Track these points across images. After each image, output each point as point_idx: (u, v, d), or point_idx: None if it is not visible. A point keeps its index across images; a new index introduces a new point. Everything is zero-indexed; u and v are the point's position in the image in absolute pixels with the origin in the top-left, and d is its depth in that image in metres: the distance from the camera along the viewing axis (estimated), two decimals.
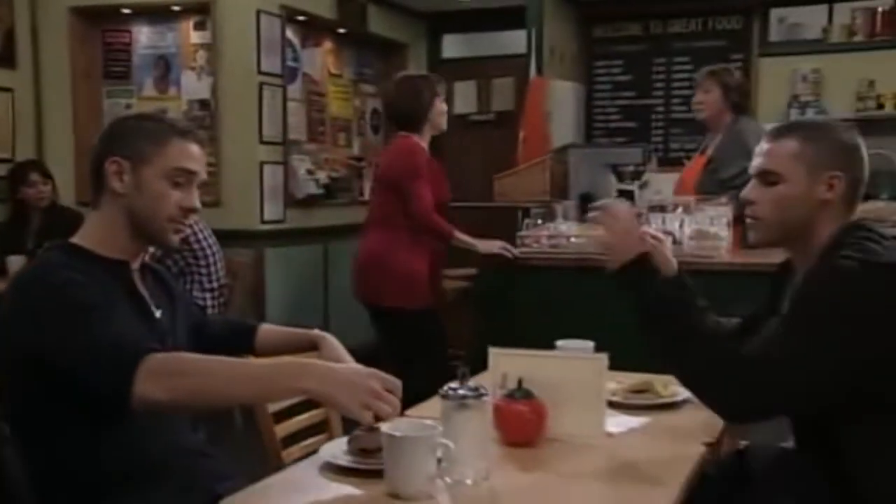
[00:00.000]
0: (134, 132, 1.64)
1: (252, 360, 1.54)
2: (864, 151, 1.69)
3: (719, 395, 1.57)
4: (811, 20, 5.68)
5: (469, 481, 1.43)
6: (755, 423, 1.66)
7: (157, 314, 1.69)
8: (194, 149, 1.66)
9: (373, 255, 3.57)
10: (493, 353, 1.75)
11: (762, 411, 1.58)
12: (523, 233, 3.83)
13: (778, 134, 1.69)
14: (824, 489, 1.58)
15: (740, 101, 3.89)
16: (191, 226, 3.90)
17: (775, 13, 5.77)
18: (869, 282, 1.51)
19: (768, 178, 1.66)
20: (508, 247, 3.55)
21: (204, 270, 4.02)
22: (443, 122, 3.62)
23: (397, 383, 1.41)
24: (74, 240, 1.64)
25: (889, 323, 1.49)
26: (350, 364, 1.66)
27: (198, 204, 1.68)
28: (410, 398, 1.64)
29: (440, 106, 3.58)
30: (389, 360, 3.74)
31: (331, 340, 1.87)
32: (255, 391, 1.47)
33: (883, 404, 1.51)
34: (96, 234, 1.64)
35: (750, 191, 1.70)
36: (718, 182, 3.71)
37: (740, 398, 1.54)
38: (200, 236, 4.01)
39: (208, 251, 4.02)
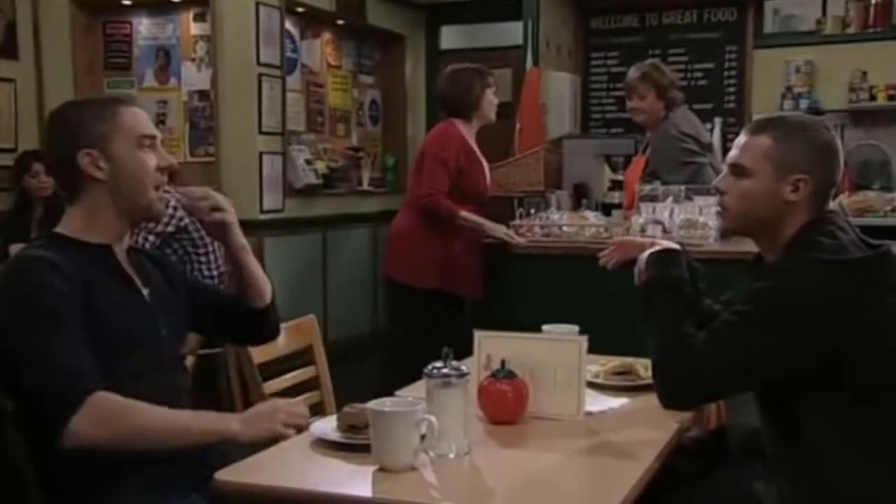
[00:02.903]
0: (86, 119, 1.67)
1: (186, 413, 1.63)
2: (840, 153, 1.72)
3: (658, 379, 1.66)
4: (805, 12, 5.71)
5: (451, 455, 1.51)
6: (687, 409, 1.75)
7: (145, 293, 1.74)
8: (142, 112, 1.72)
9: (395, 231, 3.71)
10: (478, 335, 1.82)
11: (687, 398, 1.68)
12: (517, 222, 3.91)
13: (756, 129, 1.72)
14: (788, 466, 1.65)
15: (672, 96, 3.83)
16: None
17: (769, 5, 5.80)
18: (813, 280, 1.56)
19: (738, 170, 1.71)
20: (511, 234, 3.68)
21: (203, 259, 4.09)
22: (491, 113, 3.73)
23: (302, 410, 1.66)
24: (57, 230, 1.69)
25: (833, 320, 1.54)
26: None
27: (172, 160, 1.74)
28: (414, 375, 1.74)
29: (490, 97, 3.69)
30: (394, 334, 3.84)
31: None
32: (185, 442, 1.58)
33: (839, 390, 1.57)
34: (77, 223, 1.69)
35: (721, 180, 1.76)
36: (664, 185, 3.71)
37: (666, 384, 1.64)
38: (199, 224, 4.07)
39: (207, 239, 4.08)
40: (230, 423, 1.59)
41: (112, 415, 1.52)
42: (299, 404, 1.69)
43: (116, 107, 1.69)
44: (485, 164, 3.75)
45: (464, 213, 3.58)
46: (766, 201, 1.68)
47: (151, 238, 3.89)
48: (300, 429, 1.64)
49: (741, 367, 1.57)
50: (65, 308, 1.56)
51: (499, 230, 3.66)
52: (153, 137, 1.72)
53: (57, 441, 1.53)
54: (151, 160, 1.70)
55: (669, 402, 1.69)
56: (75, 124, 1.67)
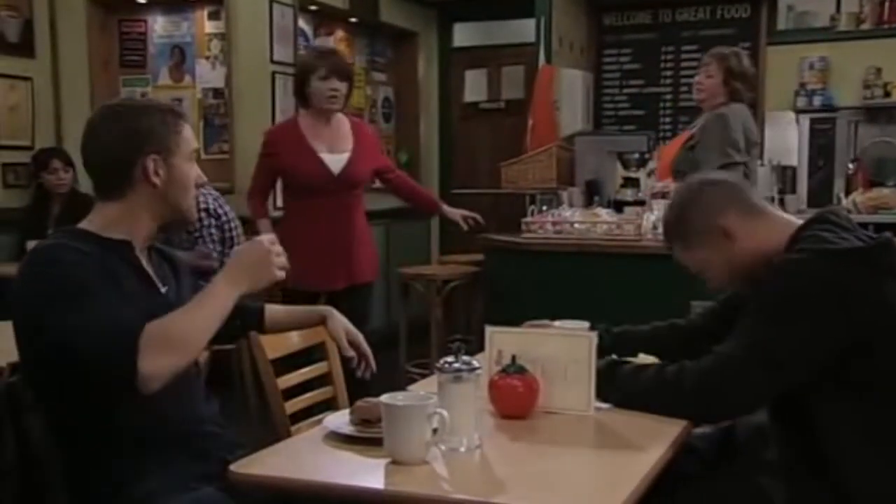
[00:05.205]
0: (154, 125, 1.71)
1: (206, 303, 1.63)
2: (728, 181, 1.84)
3: (696, 413, 1.69)
4: (819, 8, 5.68)
5: (462, 449, 1.53)
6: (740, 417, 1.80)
7: (163, 290, 1.76)
8: (190, 127, 1.79)
9: None
10: (490, 330, 1.84)
11: (739, 411, 1.73)
12: (528, 219, 3.92)
13: (667, 247, 1.88)
14: (797, 461, 1.66)
15: (739, 89, 3.81)
16: (225, 213, 4.06)
17: (783, 1, 5.78)
18: (817, 270, 1.58)
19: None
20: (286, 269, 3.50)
21: (224, 258, 4.12)
22: (321, 103, 3.46)
23: (278, 248, 1.71)
24: (82, 225, 1.72)
25: (842, 308, 1.56)
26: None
27: (203, 174, 1.82)
28: None
29: (317, 85, 3.43)
30: None
31: (337, 314, 2.03)
32: (221, 314, 1.62)
33: (849, 381, 1.58)
34: (106, 220, 1.71)
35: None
36: (693, 162, 3.67)
37: (712, 408, 1.68)
38: (233, 224, 4.11)
39: (236, 241, 4.12)
40: (232, 289, 1.64)
41: (164, 339, 1.54)
42: (271, 237, 1.74)
43: (181, 120, 1.75)
44: (328, 152, 3.51)
45: (261, 222, 3.56)
46: (724, 260, 1.76)
47: (214, 231, 3.99)
48: (285, 268, 1.71)
49: (774, 362, 1.59)
50: (88, 278, 1.57)
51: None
52: (196, 150, 1.80)
53: (126, 403, 1.57)
54: (193, 174, 1.77)
55: (720, 419, 1.78)
56: (144, 128, 1.70)
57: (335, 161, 3.51)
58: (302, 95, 3.49)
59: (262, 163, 3.63)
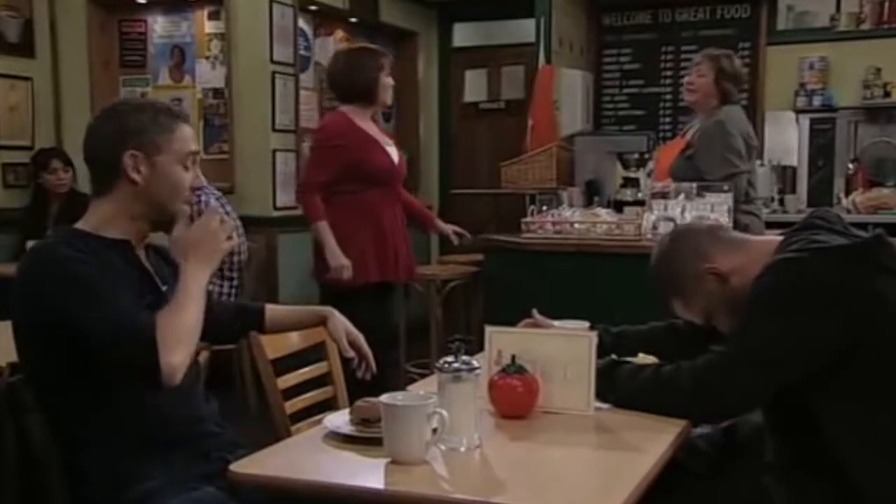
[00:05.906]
0: (143, 123, 1.71)
1: (186, 295, 1.67)
2: (700, 226, 1.94)
3: (693, 412, 1.69)
4: (819, 8, 5.68)
5: (462, 448, 1.53)
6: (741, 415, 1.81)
7: (164, 289, 1.77)
8: (191, 130, 1.78)
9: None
10: (489, 330, 1.83)
11: (736, 409, 1.74)
12: (528, 219, 3.93)
13: (662, 302, 1.88)
14: (797, 461, 1.66)
15: (730, 90, 3.77)
16: (227, 213, 4.05)
17: (783, 1, 5.78)
18: (811, 268, 1.59)
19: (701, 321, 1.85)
20: (341, 270, 3.40)
21: (226, 259, 4.12)
22: (387, 97, 3.52)
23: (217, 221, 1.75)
24: (78, 226, 1.72)
25: (837, 304, 1.56)
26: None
27: (202, 180, 1.83)
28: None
29: (385, 81, 3.48)
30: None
31: (338, 315, 2.04)
32: (203, 304, 1.68)
33: (848, 379, 1.58)
34: (100, 218, 1.72)
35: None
36: (695, 170, 3.66)
37: (709, 408, 1.68)
38: (235, 224, 4.10)
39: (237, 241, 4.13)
40: (204, 274, 1.69)
41: (176, 333, 1.58)
42: (216, 215, 1.76)
43: (176, 121, 1.75)
44: (386, 144, 3.52)
45: (320, 224, 3.41)
46: (719, 301, 1.76)
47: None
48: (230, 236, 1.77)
49: (770, 360, 1.59)
50: (97, 274, 1.59)
51: (336, 261, 3.40)
52: (196, 153, 1.78)
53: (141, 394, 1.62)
54: (188, 178, 1.75)
55: (721, 420, 1.80)
56: (131, 125, 1.70)
57: (393, 152, 3.56)
58: (366, 93, 3.45)
59: (324, 155, 3.44)
